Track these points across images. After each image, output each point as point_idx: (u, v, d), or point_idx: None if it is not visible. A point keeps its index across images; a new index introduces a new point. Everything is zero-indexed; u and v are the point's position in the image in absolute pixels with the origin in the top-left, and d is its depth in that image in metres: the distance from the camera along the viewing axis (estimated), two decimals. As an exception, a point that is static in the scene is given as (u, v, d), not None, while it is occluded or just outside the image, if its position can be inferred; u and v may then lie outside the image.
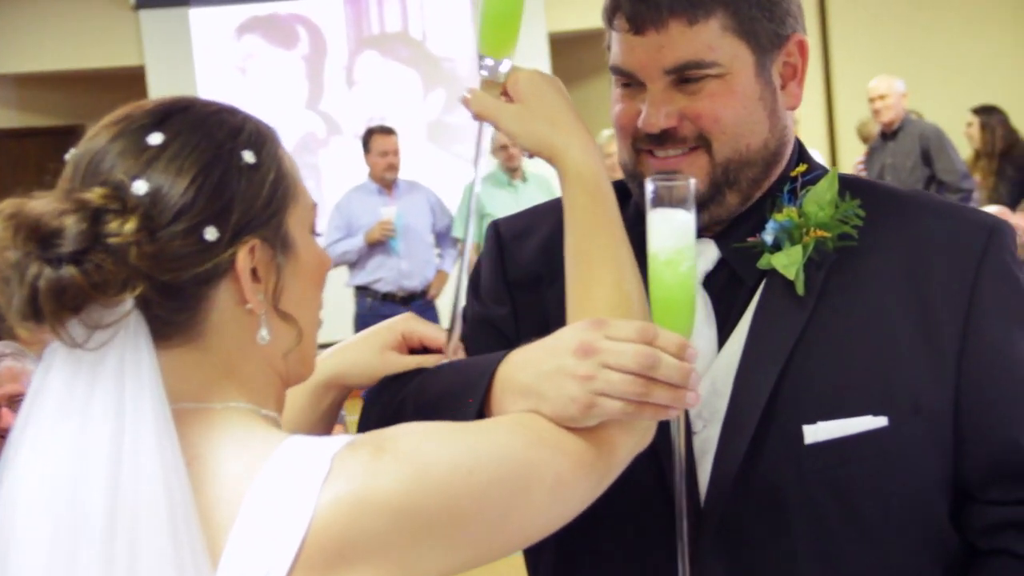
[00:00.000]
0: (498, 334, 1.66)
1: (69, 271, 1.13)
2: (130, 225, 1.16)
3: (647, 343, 1.29)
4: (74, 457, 1.14)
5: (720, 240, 1.61)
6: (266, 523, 1.15)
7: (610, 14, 1.56)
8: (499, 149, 8.47)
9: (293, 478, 1.16)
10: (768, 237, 1.56)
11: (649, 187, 1.36)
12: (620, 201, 1.64)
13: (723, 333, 1.58)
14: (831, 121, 11.66)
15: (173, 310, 1.22)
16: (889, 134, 8.22)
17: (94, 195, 1.17)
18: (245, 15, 11.44)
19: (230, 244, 1.23)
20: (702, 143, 1.53)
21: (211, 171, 1.22)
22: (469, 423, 1.30)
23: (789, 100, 1.60)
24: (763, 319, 1.55)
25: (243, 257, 1.24)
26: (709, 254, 1.60)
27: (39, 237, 1.14)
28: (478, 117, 1.52)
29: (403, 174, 8.30)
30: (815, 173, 1.60)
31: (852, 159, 9.59)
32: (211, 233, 1.21)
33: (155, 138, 1.22)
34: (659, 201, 1.35)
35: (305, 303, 1.33)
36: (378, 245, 7.79)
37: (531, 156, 1.51)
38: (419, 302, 7.83)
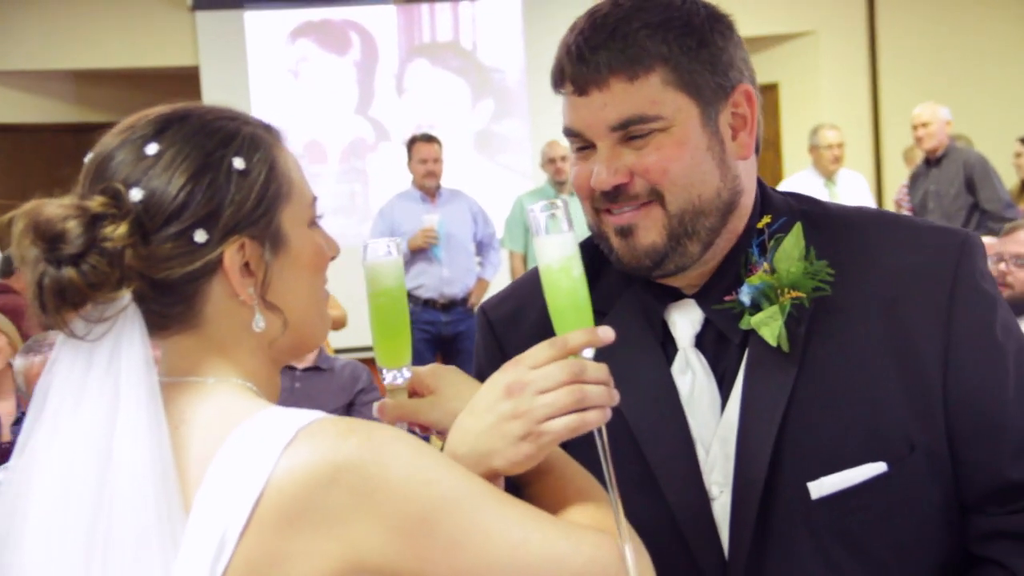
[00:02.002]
0: None
1: (68, 272, 1.26)
2: (122, 230, 1.28)
3: (563, 350, 1.34)
4: (74, 430, 1.27)
5: (700, 300, 1.64)
6: (227, 483, 1.25)
7: (556, 79, 1.60)
8: (548, 163, 8.55)
9: (257, 443, 1.26)
10: (745, 299, 1.58)
11: (540, 218, 1.40)
12: (593, 264, 1.64)
13: (722, 391, 1.62)
14: (877, 147, 11.64)
15: (168, 304, 1.34)
16: (933, 161, 8.21)
17: (94, 202, 1.30)
18: (299, 20, 11.55)
19: (219, 244, 1.34)
20: (655, 197, 1.56)
21: (200, 178, 1.34)
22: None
23: (740, 151, 1.60)
24: (754, 379, 1.58)
25: (230, 255, 1.35)
26: (694, 315, 1.64)
27: (47, 238, 1.27)
28: (397, 420, 1.55)
29: (450, 183, 8.37)
30: (780, 221, 1.61)
31: (897, 184, 9.59)
32: (200, 235, 1.33)
33: (152, 148, 1.34)
34: (546, 230, 1.40)
35: (300, 291, 1.42)
36: (421, 252, 7.85)
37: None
38: (460, 309, 7.90)
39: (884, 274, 1.59)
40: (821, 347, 1.57)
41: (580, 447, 1.42)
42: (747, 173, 1.63)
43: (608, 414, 1.35)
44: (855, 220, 1.67)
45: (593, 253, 1.64)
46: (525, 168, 11.43)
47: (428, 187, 8.06)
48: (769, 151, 12.28)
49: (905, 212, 8.36)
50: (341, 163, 11.50)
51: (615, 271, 1.66)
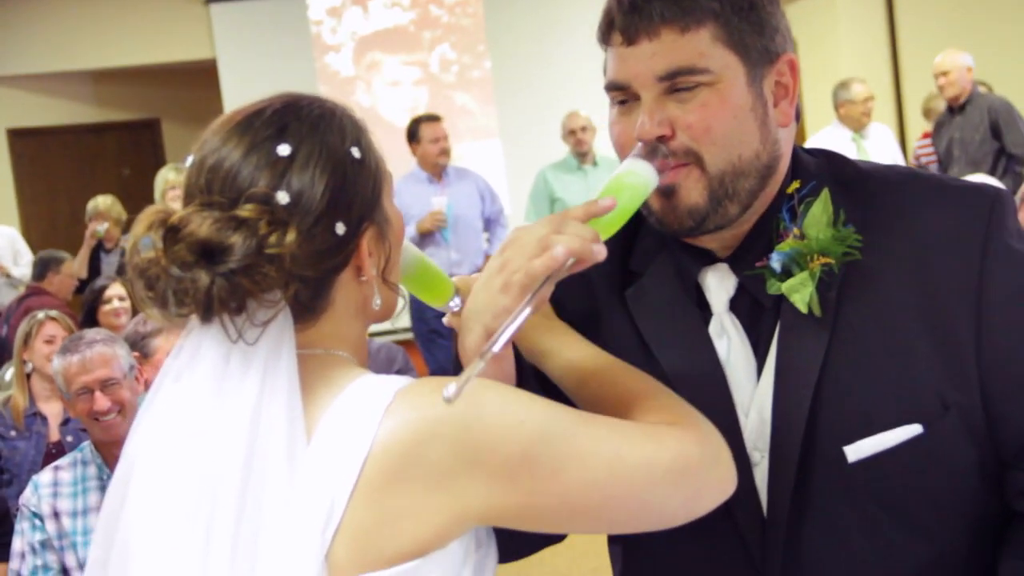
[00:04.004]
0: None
1: (241, 281, 1.29)
2: (291, 237, 1.31)
3: (563, 218, 1.42)
4: (228, 406, 1.32)
5: (733, 265, 1.64)
6: (333, 448, 1.29)
7: (605, 32, 1.59)
8: (568, 135, 8.54)
9: (359, 408, 1.31)
10: (776, 265, 1.58)
11: (636, 150, 1.54)
12: (632, 226, 1.66)
13: (758, 357, 1.62)
14: (899, 101, 11.56)
15: (311, 297, 1.38)
16: (957, 108, 8.15)
17: (249, 213, 1.31)
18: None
19: (355, 234, 1.39)
20: (692, 159, 1.55)
21: (336, 173, 1.37)
22: None
23: (781, 118, 1.60)
24: (787, 345, 1.58)
25: (365, 243, 1.40)
26: (728, 280, 1.64)
27: (208, 252, 1.29)
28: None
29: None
30: (810, 185, 1.61)
31: (920, 134, 9.54)
32: (340, 228, 1.37)
33: (283, 149, 1.36)
34: (633, 158, 1.53)
35: (396, 264, 1.48)
36: (428, 235, 7.83)
37: None
38: (468, 290, 7.88)
39: (915, 235, 1.58)
40: (853, 311, 1.57)
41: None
42: (785, 140, 1.63)
43: (560, 255, 1.37)
44: (887, 180, 1.66)
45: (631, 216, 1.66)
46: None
47: (441, 166, 8.02)
48: (790, 109, 12.18)
49: (926, 169, 8.33)
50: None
51: (651, 233, 1.67)
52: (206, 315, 1.32)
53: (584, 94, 10.58)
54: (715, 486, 1.41)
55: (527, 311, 1.35)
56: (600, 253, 1.40)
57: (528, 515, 1.33)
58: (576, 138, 8.49)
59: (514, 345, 1.55)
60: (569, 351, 1.58)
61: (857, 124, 8.30)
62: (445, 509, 1.29)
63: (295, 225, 1.32)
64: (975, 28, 10.91)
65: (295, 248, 1.31)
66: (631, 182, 1.51)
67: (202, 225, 1.30)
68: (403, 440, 1.28)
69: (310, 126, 1.39)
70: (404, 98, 11.72)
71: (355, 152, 1.40)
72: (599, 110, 9.27)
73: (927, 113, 9.67)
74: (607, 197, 1.46)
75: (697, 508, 1.40)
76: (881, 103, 11.02)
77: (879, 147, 8.31)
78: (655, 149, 1.52)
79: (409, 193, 7.93)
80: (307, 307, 1.38)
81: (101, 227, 8.61)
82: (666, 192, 1.56)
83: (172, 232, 1.31)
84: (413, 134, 8.07)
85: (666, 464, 1.35)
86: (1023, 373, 1.56)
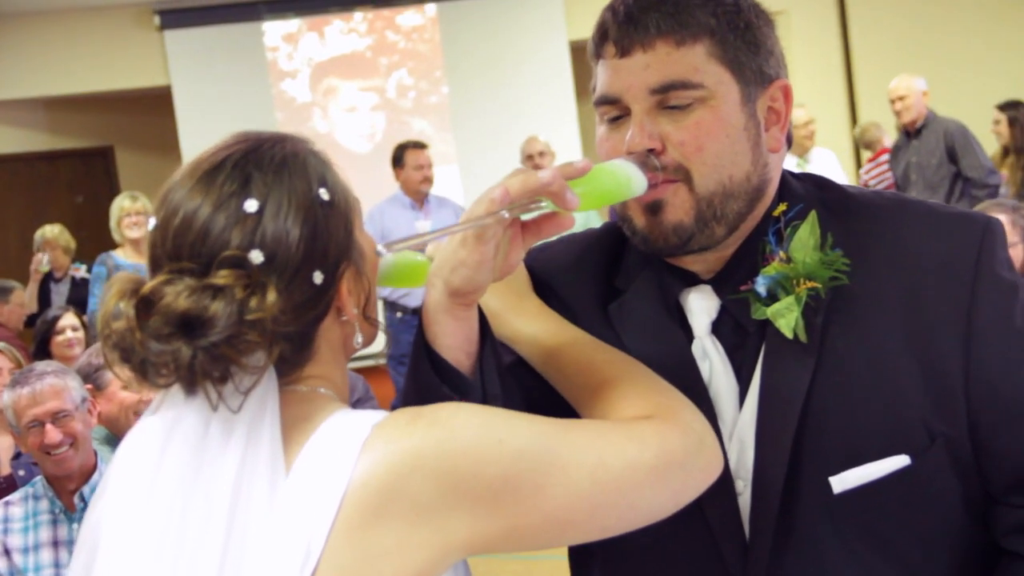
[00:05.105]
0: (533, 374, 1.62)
1: (224, 351, 1.23)
2: (271, 299, 1.25)
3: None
4: (207, 477, 1.26)
5: (716, 287, 1.60)
6: (309, 486, 1.24)
7: (598, 44, 1.56)
8: (526, 159, 8.59)
9: (336, 444, 1.26)
10: (761, 289, 1.55)
11: (631, 157, 1.50)
12: (618, 245, 1.67)
13: (741, 382, 1.59)
14: (854, 124, 11.65)
15: (295, 351, 1.33)
16: (913, 132, 8.18)
17: (224, 279, 1.25)
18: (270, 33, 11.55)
19: (333, 279, 1.34)
20: (681, 176, 1.52)
21: (307, 222, 1.32)
22: None
23: (771, 143, 1.57)
24: (772, 371, 1.55)
25: (344, 284, 1.35)
26: (710, 302, 1.61)
27: (187, 324, 1.23)
28: None
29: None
30: (796, 208, 1.58)
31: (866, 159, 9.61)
32: (318, 277, 1.32)
33: (251, 205, 1.30)
34: (623, 159, 1.49)
35: (374, 296, 1.44)
36: (410, 259, 7.85)
37: None
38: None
39: (904, 262, 1.55)
40: (840, 337, 1.53)
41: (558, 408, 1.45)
42: (775, 164, 1.60)
43: (496, 196, 1.37)
44: (875, 205, 1.63)
45: (616, 235, 1.65)
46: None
47: (423, 192, 8.16)
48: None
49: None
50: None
51: (635, 252, 1.65)
52: (189, 388, 1.27)
53: (542, 119, 10.69)
54: (701, 473, 1.39)
55: (461, 230, 1.37)
56: (546, 178, 1.36)
57: (515, 537, 1.29)
58: (534, 163, 8.53)
59: (487, 328, 1.51)
60: (543, 332, 1.56)
61: (801, 149, 8.39)
62: (429, 544, 1.24)
63: (273, 284, 1.27)
64: (929, 49, 11.05)
65: (275, 309, 1.26)
66: (614, 170, 1.47)
67: (178, 297, 1.24)
68: (382, 475, 1.23)
69: (274, 174, 1.33)
70: (361, 124, 11.70)
71: (323, 194, 1.34)
72: (557, 135, 9.34)
73: (867, 144, 9.75)
74: (584, 160, 1.42)
75: (684, 498, 1.38)
76: (836, 126, 11.12)
77: (823, 171, 8.31)
78: (645, 161, 1.49)
79: (392, 216, 8.11)
80: (291, 362, 1.33)
81: (44, 260, 8.50)
82: (652, 208, 1.54)
83: (145, 304, 1.25)
84: (398, 159, 8.26)
85: (650, 463, 1.32)
86: (1010, 405, 1.52)
